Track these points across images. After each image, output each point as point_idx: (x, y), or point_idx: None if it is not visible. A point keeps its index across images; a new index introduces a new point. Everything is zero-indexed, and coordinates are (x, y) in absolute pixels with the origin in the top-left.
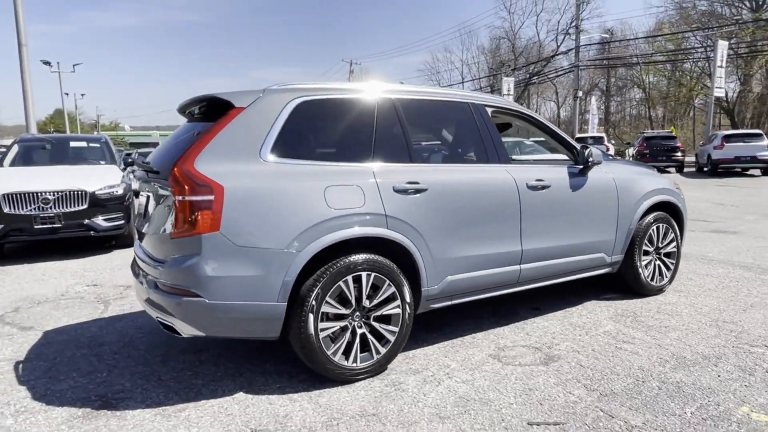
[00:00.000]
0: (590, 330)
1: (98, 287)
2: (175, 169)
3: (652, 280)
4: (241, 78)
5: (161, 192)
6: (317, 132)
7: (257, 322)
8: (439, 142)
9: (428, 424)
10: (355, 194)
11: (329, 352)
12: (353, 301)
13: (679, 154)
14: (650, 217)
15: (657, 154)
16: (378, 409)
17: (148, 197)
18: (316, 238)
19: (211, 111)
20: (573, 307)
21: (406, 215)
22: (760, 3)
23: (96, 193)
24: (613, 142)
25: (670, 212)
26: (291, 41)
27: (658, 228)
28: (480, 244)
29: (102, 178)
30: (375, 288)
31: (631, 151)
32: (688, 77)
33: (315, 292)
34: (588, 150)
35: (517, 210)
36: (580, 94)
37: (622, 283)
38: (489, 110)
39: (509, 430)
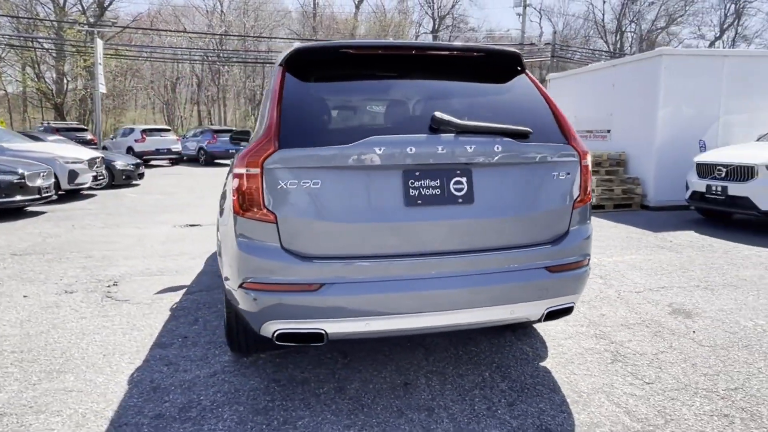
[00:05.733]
0: None
1: None
2: (571, 132)
3: None
4: None
5: (502, 160)
6: None
7: None
8: None
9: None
10: None
11: None
12: None
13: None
14: None
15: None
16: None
17: (461, 172)
18: None
19: (487, 66)
20: None
21: None
22: (62, 4)
23: None
24: None
25: None
26: None
27: None
28: None
29: None
30: None
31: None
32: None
33: None
34: None
35: None
36: None
37: None
38: None
39: None
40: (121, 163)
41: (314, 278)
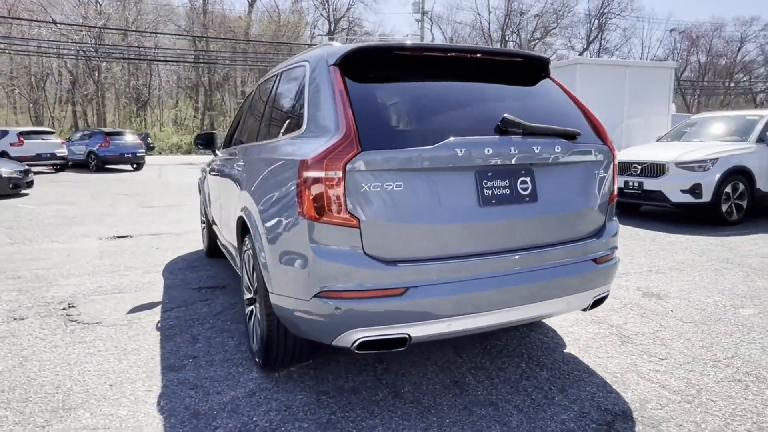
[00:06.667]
0: None
1: None
2: (605, 133)
3: None
4: None
5: (558, 159)
6: None
7: None
8: None
9: None
10: None
11: None
12: None
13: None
14: None
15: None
16: None
17: (525, 171)
18: None
19: (520, 71)
20: None
21: None
22: None
23: None
24: None
25: None
26: None
27: None
28: None
29: None
30: None
31: None
32: None
33: None
34: None
35: None
36: None
37: None
38: None
39: None
40: (7, 170)
41: (399, 282)
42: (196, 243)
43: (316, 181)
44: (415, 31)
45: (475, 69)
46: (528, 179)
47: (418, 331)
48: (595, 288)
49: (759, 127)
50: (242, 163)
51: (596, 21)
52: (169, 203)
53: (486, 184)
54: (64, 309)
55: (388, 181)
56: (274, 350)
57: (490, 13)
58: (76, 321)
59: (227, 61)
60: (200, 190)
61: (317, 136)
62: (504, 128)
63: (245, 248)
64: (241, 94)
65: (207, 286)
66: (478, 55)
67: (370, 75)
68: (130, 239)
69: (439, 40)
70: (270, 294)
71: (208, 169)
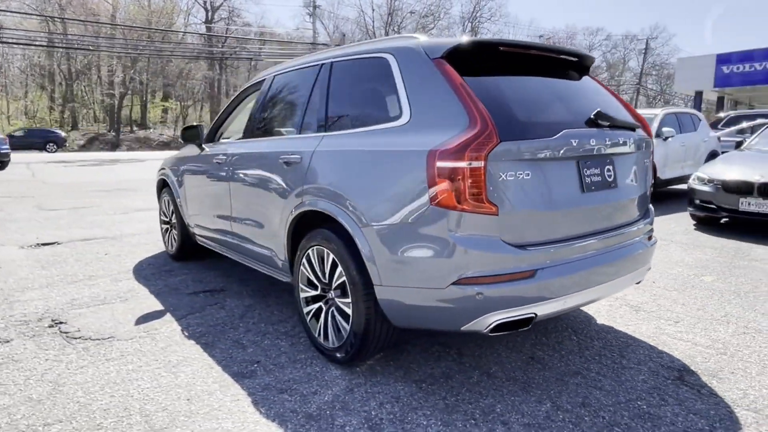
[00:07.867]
0: None
1: None
2: (648, 125)
3: None
4: None
5: (629, 149)
6: None
7: None
8: None
9: None
10: None
11: None
12: None
13: None
14: None
15: None
16: None
17: (609, 161)
18: None
19: (570, 66)
20: None
21: None
22: None
23: None
24: None
25: None
26: None
27: None
28: None
29: None
30: None
31: None
32: None
33: None
34: None
35: None
36: None
37: None
38: None
39: None
40: None
41: (530, 265)
42: (147, 246)
43: (456, 170)
44: (298, 24)
45: (554, 66)
46: (611, 167)
47: (543, 309)
48: (647, 263)
49: (655, 124)
50: (296, 157)
51: (469, 24)
52: (72, 205)
53: (586, 172)
54: (51, 326)
55: (519, 170)
56: (369, 344)
57: (373, 11)
58: (80, 338)
59: (90, 47)
60: (161, 191)
61: (435, 126)
62: (596, 121)
63: (311, 244)
64: (109, 84)
65: (202, 291)
66: (560, 54)
67: (475, 68)
68: (61, 246)
69: (323, 34)
70: (377, 287)
71: (186, 167)
